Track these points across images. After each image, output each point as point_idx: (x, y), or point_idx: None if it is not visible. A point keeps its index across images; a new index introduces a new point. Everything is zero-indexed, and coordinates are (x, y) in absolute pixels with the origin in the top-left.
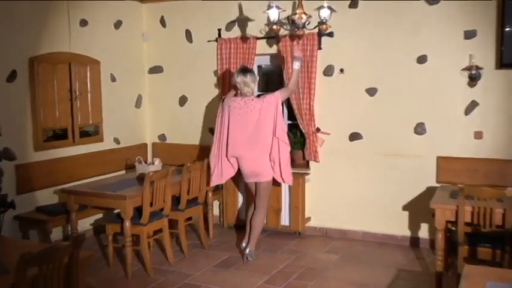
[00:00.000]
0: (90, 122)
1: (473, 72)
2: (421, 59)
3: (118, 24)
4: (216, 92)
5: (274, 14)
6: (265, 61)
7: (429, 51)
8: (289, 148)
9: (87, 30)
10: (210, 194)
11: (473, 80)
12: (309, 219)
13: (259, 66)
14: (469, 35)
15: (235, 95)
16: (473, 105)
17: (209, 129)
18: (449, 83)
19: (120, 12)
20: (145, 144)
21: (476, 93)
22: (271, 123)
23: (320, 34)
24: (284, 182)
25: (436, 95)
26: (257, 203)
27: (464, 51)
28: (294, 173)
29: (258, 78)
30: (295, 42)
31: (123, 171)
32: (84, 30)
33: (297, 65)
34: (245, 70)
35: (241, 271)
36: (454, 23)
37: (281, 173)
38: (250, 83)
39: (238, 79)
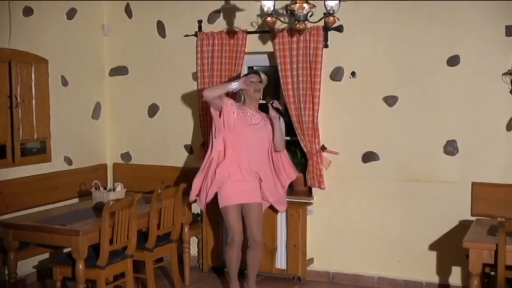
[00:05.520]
0: (35, 137)
1: None
2: (453, 61)
3: (71, 14)
4: (195, 99)
5: (268, 3)
6: (259, 61)
7: (462, 50)
8: None
9: (32, 20)
10: (186, 229)
11: None
12: (311, 261)
13: (249, 68)
14: None
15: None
16: None
17: (185, 146)
18: (487, 90)
19: None
20: (105, 166)
21: None
22: None
23: (326, 28)
24: None
25: (470, 105)
26: None
27: (507, 51)
28: (292, 203)
29: None
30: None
31: (76, 200)
32: (29, 20)
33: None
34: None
35: None
36: (493, 16)
37: None
38: None
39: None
